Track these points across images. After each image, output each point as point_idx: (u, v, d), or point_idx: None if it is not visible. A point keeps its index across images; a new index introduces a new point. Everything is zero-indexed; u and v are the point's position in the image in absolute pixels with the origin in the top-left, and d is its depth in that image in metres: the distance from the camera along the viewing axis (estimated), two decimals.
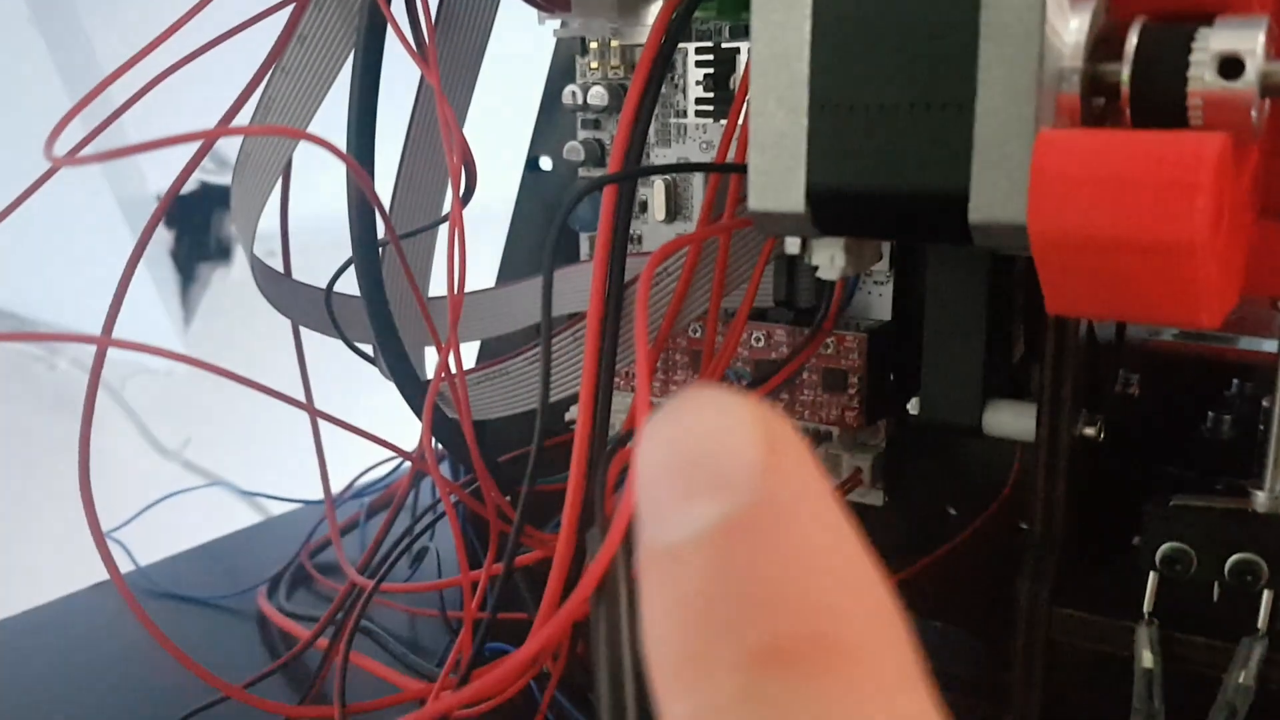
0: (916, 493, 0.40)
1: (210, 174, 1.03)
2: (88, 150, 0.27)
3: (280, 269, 0.41)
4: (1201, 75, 0.22)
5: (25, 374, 1.17)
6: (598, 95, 0.42)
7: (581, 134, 0.43)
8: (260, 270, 0.40)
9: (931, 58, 0.23)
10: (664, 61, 0.33)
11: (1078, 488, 0.30)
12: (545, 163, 0.47)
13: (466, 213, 0.36)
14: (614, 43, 0.41)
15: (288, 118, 0.35)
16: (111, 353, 0.34)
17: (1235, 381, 0.37)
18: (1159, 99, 0.23)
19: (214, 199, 1.18)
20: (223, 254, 1.33)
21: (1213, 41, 0.22)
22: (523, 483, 0.32)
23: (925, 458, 0.40)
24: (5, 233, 0.32)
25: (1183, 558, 0.28)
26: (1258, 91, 0.22)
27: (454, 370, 0.33)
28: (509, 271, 0.48)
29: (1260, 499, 0.27)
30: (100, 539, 0.36)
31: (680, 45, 0.39)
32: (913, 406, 0.33)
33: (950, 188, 0.23)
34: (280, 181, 0.39)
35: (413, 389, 0.35)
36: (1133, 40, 0.23)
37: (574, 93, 0.42)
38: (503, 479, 0.36)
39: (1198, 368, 0.38)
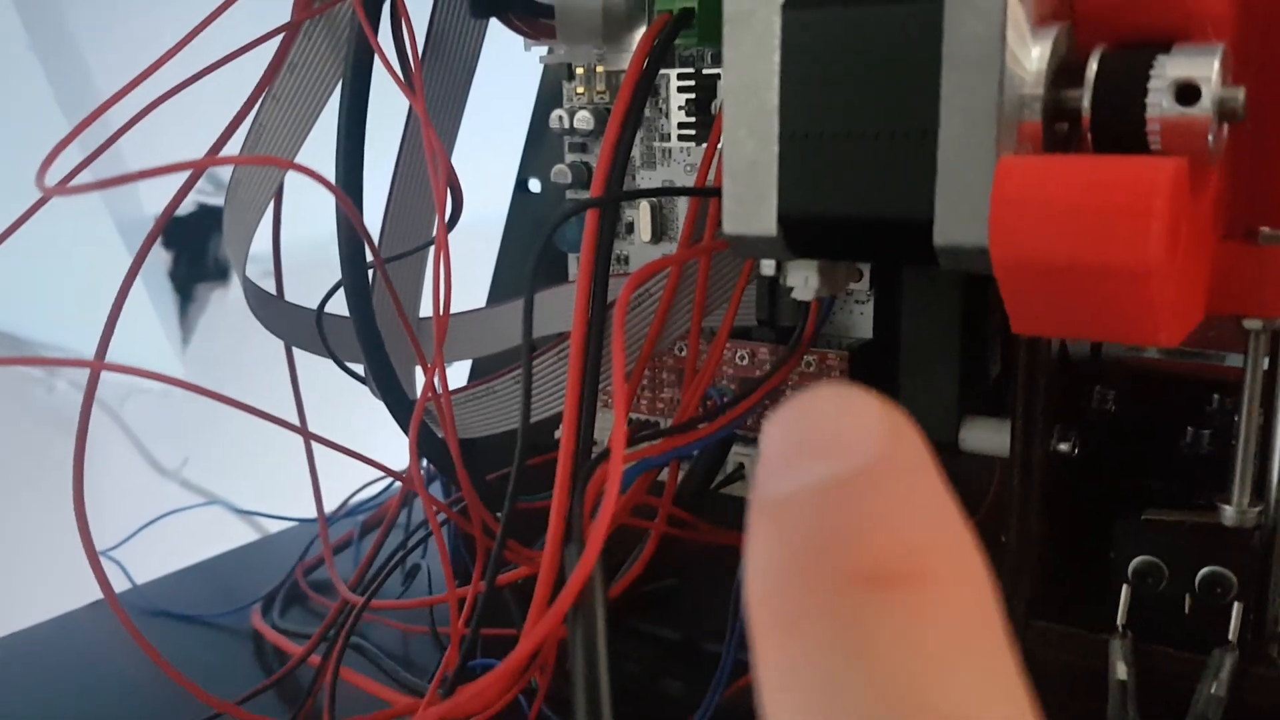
0: None
1: (207, 196, 1.04)
2: (80, 179, 0.28)
3: (273, 290, 0.42)
4: (1159, 102, 0.23)
5: (23, 396, 1.18)
6: (584, 120, 0.42)
7: (569, 157, 0.44)
8: (252, 292, 0.41)
9: (896, 87, 0.24)
10: (645, 88, 0.33)
11: (1054, 503, 0.31)
12: (534, 185, 0.47)
13: (463, 229, 0.37)
14: (599, 68, 0.42)
15: (278, 144, 0.35)
16: (109, 374, 0.34)
17: (1216, 397, 0.38)
18: (1119, 125, 0.23)
19: (211, 220, 1.19)
20: (220, 275, 1.34)
21: (1169, 69, 0.23)
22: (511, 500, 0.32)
23: None
24: (3, 255, 0.33)
25: (1154, 571, 0.28)
26: (1214, 117, 0.22)
27: (440, 390, 0.33)
28: (499, 291, 0.48)
29: (1228, 513, 0.27)
30: (94, 558, 0.37)
31: (663, 71, 0.40)
32: None
33: (915, 213, 0.24)
34: (272, 204, 0.40)
35: (402, 408, 0.36)
36: (1093, 67, 0.24)
37: (560, 117, 0.43)
38: (491, 496, 0.36)
39: (1177, 384, 0.38)
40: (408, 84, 0.34)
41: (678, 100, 0.40)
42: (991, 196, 0.22)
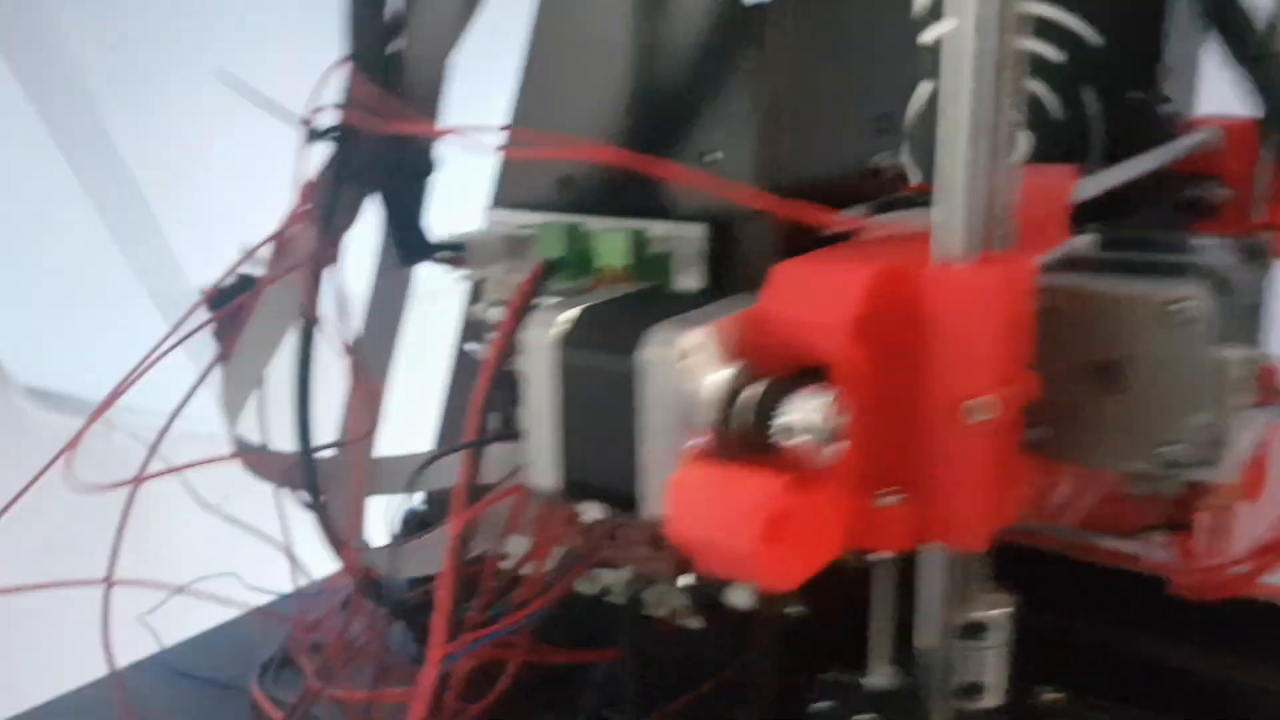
0: None
1: (245, 267, 1.17)
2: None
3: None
4: (781, 431, 0.34)
5: (82, 447, 1.31)
6: (497, 314, 0.55)
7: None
8: (241, 444, 0.54)
9: (620, 405, 0.36)
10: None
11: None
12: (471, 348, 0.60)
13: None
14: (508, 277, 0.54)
15: (250, 369, 0.49)
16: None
17: None
18: (760, 442, 0.35)
19: (248, 286, 1.33)
20: None
21: (788, 410, 0.34)
22: None
23: None
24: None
25: (837, 714, 0.40)
26: (819, 445, 0.34)
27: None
28: (445, 436, 0.61)
29: (873, 680, 0.40)
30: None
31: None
32: None
33: (634, 493, 0.36)
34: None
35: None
36: (745, 395, 0.35)
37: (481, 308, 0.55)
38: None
39: None
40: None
41: None
42: (665, 497, 0.34)
